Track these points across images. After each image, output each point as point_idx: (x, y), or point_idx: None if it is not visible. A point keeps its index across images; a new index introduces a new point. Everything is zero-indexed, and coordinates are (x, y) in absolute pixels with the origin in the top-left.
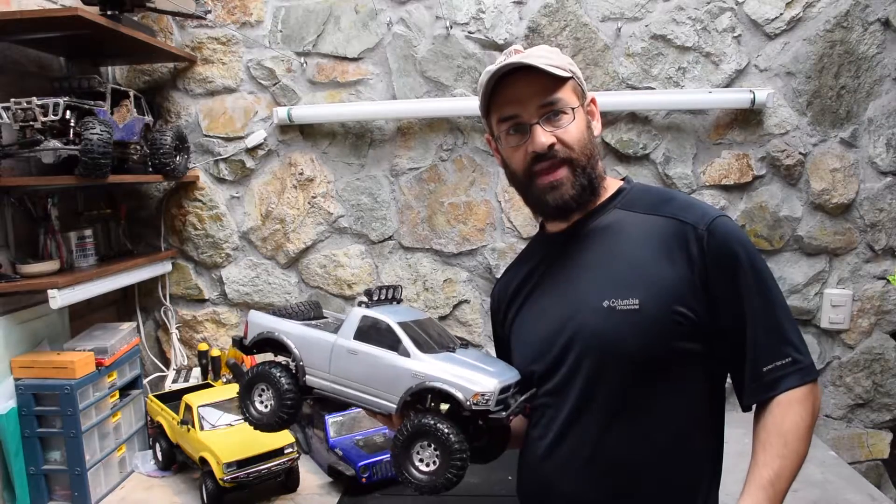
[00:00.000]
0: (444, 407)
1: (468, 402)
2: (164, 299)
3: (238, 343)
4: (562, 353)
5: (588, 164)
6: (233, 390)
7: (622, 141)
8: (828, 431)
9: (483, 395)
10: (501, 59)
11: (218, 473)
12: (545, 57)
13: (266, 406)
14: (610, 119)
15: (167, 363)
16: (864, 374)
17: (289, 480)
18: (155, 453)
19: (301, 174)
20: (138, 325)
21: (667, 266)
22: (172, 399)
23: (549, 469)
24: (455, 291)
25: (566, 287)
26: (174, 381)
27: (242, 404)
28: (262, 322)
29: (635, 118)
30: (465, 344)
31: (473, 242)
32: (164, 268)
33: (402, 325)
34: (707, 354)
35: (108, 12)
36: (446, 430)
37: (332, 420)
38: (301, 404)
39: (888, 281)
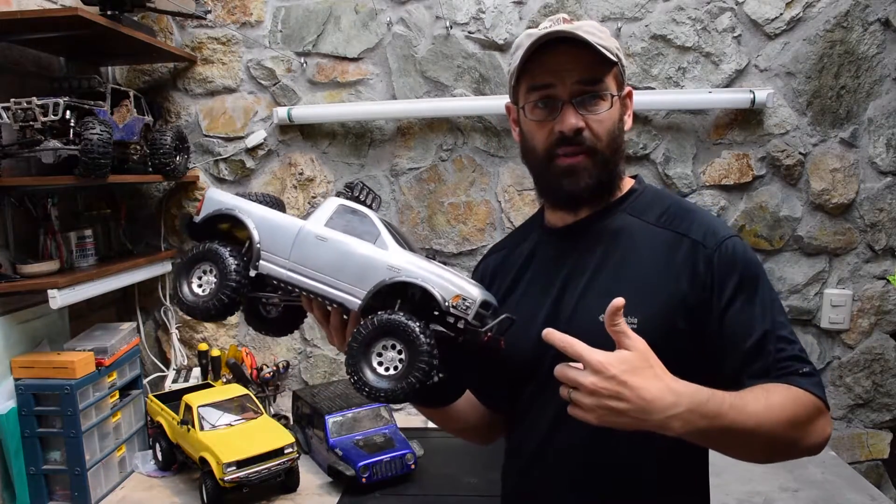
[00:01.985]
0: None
1: (446, 304)
2: (164, 299)
3: (188, 223)
4: (553, 361)
5: (612, 160)
6: (233, 390)
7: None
8: None
9: (465, 299)
10: (546, 25)
11: (218, 473)
12: (595, 34)
13: (204, 289)
14: None
15: (167, 363)
16: (864, 374)
17: (289, 480)
18: (155, 453)
19: (301, 174)
20: (138, 325)
21: (671, 285)
22: (172, 399)
23: (536, 467)
24: None
25: (562, 291)
26: (174, 381)
27: (177, 283)
28: (222, 199)
29: (635, 118)
30: (434, 256)
31: (473, 242)
32: (164, 268)
33: (381, 220)
34: (702, 372)
35: (108, 12)
36: (416, 328)
37: (332, 420)
38: (243, 289)
39: (888, 281)
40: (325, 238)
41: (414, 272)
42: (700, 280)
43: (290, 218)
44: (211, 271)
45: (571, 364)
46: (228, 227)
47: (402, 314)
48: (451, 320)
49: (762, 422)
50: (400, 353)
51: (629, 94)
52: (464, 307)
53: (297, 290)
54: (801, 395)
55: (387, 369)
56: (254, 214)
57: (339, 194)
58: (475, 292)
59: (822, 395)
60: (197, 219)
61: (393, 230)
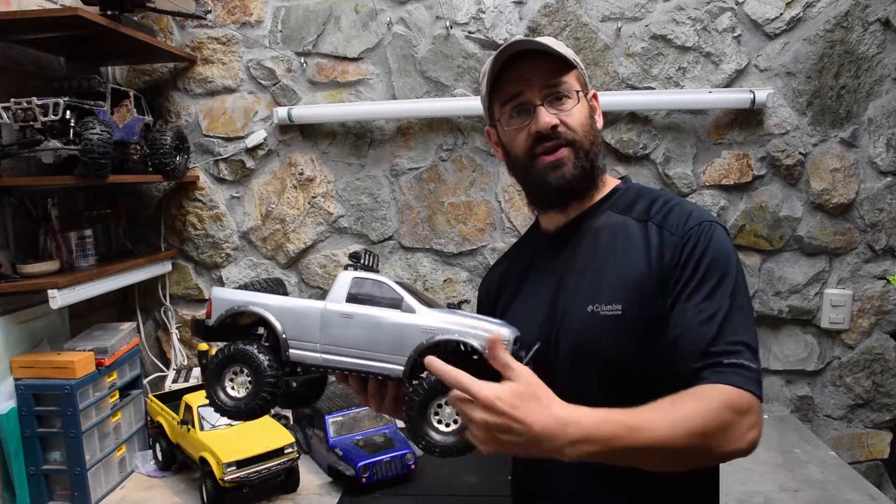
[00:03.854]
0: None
1: (486, 352)
2: (164, 299)
3: (200, 327)
4: (548, 355)
5: (591, 150)
6: None
7: (622, 141)
8: (828, 431)
9: (504, 341)
10: (508, 43)
11: (218, 473)
12: (551, 44)
13: (240, 391)
14: (610, 119)
15: (167, 363)
16: (864, 374)
17: (289, 480)
18: (155, 453)
19: (301, 174)
20: (138, 325)
21: (648, 272)
22: (172, 399)
23: (538, 468)
24: (455, 291)
25: (554, 289)
26: (174, 381)
27: (211, 391)
28: (231, 297)
29: (635, 118)
30: (458, 305)
31: (473, 242)
32: (164, 268)
33: (398, 282)
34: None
35: (108, 12)
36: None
37: (332, 420)
38: (282, 384)
39: (888, 281)
40: (350, 314)
41: (446, 329)
42: (666, 265)
43: (309, 302)
44: (242, 371)
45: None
46: (238, 322)
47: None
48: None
49: (663, 438)
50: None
51: (595, 96)
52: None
53: (333, 369)
54: (719, 399)
55: (447, 425)
56: (270, 307)
57: (347, 267)
58: (506, 333)
59: (754, 390)
60: (210, 322)
61: (408, 288)
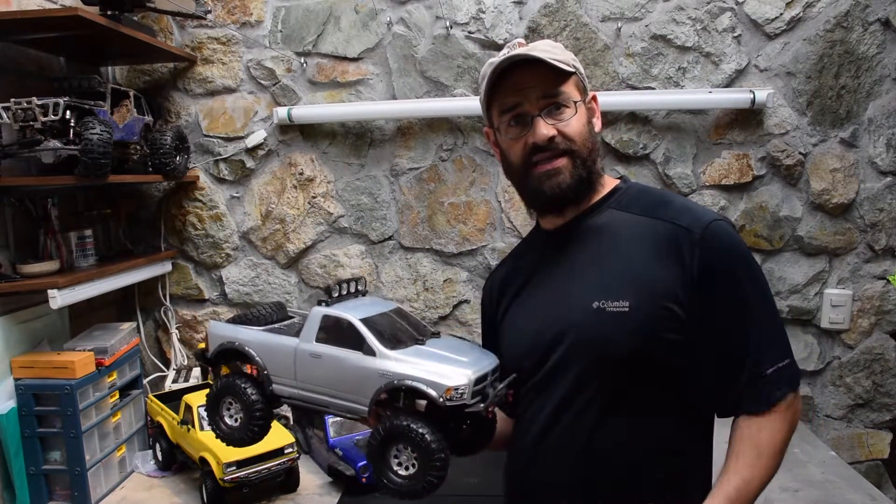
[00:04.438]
0: (422, 403)
1: (441, 399)
2: (164, 299)
3: (201, 356)
4: (551, 352)
5: (588, 158)
6: None
7: (622, 141)
8: (828, 431)
9: (456, 388)
10: (504, 52)
11: (218, 473)
12: (549, 51)
13: (236, 420)
14: (610, 119)
15: (167, 363)
16: (864, 374)
17: (289, 480)
18: (155, 453)
19: (301, 174)
20: (138, 325)
21: (659, 268)
22: (172, 399)
23: (534, 462)
24: (455, 291)
25: (558, 286)
26: (174, 381)
27: (211, 420)
28: (222, 333)
29: (635, 118)
30: (437, 333)
31: (473, 242)
32: (164, 268)
33: (366, 320)
34: (694, 355)
35: (108, 12)
36: (421, 432)
37: (332, 420)
38: (271, 415)
39: (888, 281)
40: (318, 355)
41: (404, 374)
42: (686, 262)
43: (284, 339)
44: (235, 402)
45: None
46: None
47: (404, 418)
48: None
49: (763, 476)
50: (413, 452)
51: (594, 98)
52: (458, 395)
53: (309, 405)
54: (782, 410)
55: (406, 469)
56: (252, 343)
57: (320, 302)
58: (464, 378)
59: (797, 384)
60: (208, 355)
61: (379, 324)
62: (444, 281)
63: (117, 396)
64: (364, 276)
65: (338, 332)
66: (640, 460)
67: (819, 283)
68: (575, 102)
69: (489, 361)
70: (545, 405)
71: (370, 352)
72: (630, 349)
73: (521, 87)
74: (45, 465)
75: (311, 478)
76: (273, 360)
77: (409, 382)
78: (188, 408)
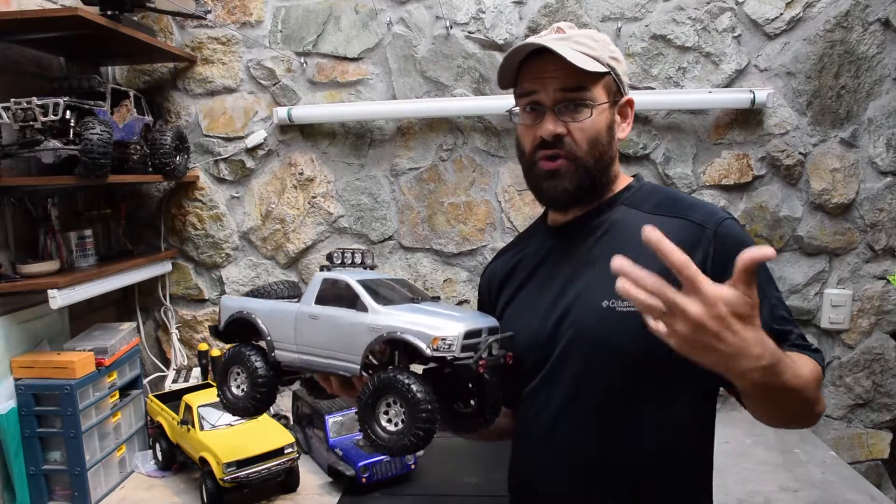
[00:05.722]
0: (420, 368)
1: (427, 349)
2: (164, 299)
3: (214, 330)
4: (555, 348)
5: (594, 167)
6: None
7: (622, 141)
8: (828, 431)
9: (444, 339)
10: (541, 34)
11: (218, 473)
12: (584, 45)
13: (242, 390)
14: None
15: (167, 363)
16: (864, 374)
17: (289, 480)
18: (155, 453)
19: (301, 174)
20: (138, 325)
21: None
22: (172, 399)
23: (538, 457)
24: (455, 291)
25: (566, 282)
26: (174, 381)
27: (219, 390)
28: (233, 304)
29: (635, 118)
30: (437, 298)
31: (473, 242)
32: (164, 268)
33: (364, 282)
34: None
35: (108, 12)
36: (407, 382)
37: (332, 420)
38: (275, 385)
39: (888, 281)
40: (316, 316)
41: (393, 327)
42: (698, 259)
43: (287, 305)
44: (241, 371)
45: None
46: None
47: (393, 371)
48: (440, 359)
49: (804, 385)
50: (402, 406)
51: (629, 103)
52: (445, 346)
53: (305, 369)
54: (816, 367)
55: (395, 424)
56: (259, 311)
57: (322, 268)
58: (454, 329)
59: (822, 364)
60: (220, 326)
61: (376, 285)
62: (444, 281)
63: (117, 396)
64: (372, 251)
65: (335, 294)
66: (646, 458)
67: (819, 283)
68: (595, 104)
69: (486, 320)
70: (550, 401)
71: (363, 308)
72: (639, 349)
73: (543, 75)
74: (45, 465)
75: (311, 478)
76: (277, 326)
77: (396, 334)
78: (188, 408)
